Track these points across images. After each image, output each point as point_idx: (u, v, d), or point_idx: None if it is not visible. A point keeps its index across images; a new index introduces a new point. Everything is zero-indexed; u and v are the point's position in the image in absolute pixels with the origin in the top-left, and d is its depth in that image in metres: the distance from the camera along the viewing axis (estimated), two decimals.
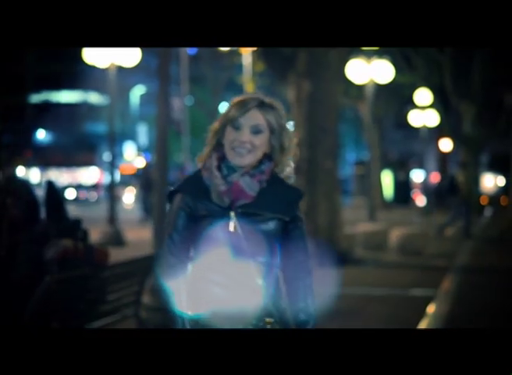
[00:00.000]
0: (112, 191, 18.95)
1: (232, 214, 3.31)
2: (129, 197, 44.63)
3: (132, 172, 48.86)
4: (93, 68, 21.16)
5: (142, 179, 29.40)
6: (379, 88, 27.00)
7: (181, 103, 30.74)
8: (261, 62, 17.29)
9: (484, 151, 37.11)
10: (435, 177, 43.76)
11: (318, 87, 14.53)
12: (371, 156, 31.14)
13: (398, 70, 26.86)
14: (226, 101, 50.16)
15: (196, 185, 3.38)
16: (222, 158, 3.40)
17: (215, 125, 3.46)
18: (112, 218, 18.12)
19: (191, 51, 32.79)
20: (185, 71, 27.79)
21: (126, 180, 47.61)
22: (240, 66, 31.99)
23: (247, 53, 27.06)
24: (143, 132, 55.66)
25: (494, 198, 38.69)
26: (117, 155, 32.39)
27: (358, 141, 48.55)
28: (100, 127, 54.26)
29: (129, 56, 18.25)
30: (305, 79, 14.57)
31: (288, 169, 3.50)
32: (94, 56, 18.07)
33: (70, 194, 47.30)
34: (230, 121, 3.37)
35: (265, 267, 3.26)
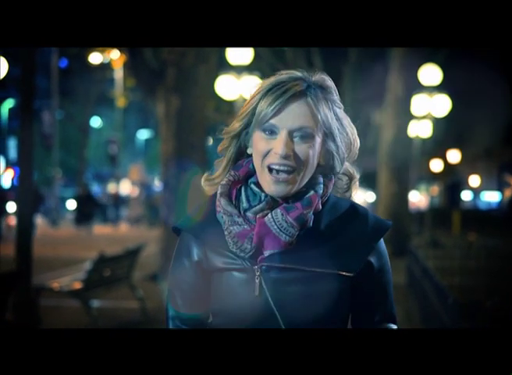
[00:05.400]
0: None
1: (256, 270, 2.11)
2: None
3: None
4: None
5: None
6: None
7: (51, 117, 30.31)
8: (131, 77, 17.16)
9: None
10: None
11: (186, 103, 14.54)
12: None
13: None
14: (97, 115, 49.71)
15: (208, 223, 2.18)
16: (245, 180, 2.18)
17: (234, 126, 2.18)
18: None
19: (62, 63, 32.29)
20: (55, 84, 27.37)
21: None
22: (111, 81, 31.75)
23: (118, 67, 26.87)
24: (13, 146, 54.57)
25: None
26: None
27: None
28: None
29: None
30: (174, 94, 14.56)
31: (353, 186, 2.30)
32: None
33: None
34: (259, 121, 2.10)
35: None
